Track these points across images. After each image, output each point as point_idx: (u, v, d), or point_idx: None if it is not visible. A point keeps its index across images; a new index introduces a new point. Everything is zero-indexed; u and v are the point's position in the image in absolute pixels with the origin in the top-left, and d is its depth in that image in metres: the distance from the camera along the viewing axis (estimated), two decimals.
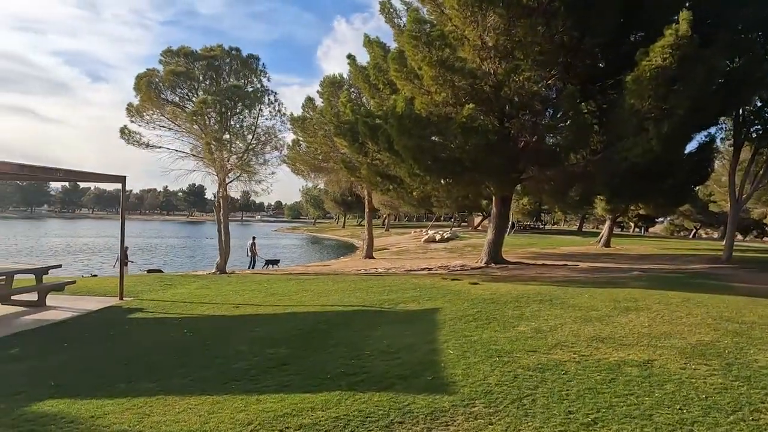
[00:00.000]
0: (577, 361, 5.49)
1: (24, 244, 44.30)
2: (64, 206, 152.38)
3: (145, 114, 15.77)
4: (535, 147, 15.18)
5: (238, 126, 16.85)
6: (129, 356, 6.31)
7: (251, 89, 16.47)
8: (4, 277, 10.03)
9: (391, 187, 16.49)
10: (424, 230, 53.16)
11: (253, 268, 23.57)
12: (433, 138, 13.96)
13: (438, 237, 42.96)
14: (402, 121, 13.58)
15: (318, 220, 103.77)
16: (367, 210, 25.38)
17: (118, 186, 10.90)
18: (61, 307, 9.77)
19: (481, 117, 14.09)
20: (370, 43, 17.14)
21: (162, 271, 21.15)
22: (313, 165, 22.54)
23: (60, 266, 11.23)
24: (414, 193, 16.70)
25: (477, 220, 66.31)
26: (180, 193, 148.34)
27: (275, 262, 24.39)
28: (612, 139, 13.52)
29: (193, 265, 28.54)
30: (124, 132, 15.79)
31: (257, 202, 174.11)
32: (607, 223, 31.00)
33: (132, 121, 15.82)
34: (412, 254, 29.47)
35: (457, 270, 16.31)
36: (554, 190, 16.53)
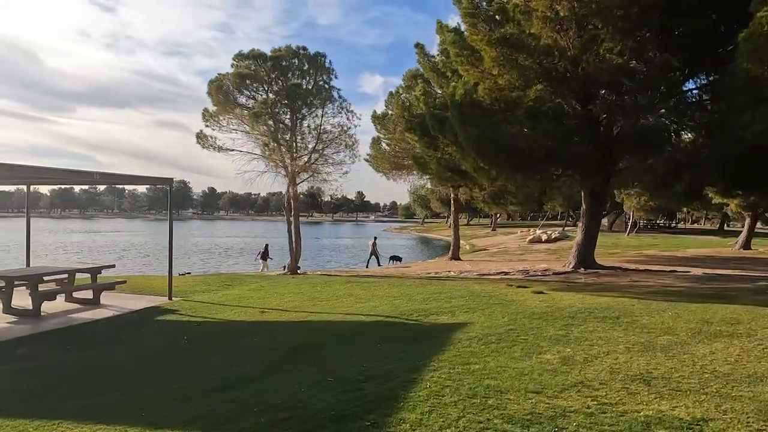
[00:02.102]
0: (589, 412, 3.99)
1: (176, 242, 49.64)
2: (204, 209, 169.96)
3: (218, 118, 16.23)
4: (628, 132, 12.83)
5: (305, 125, 16.69)
6: (110, 365, 6.07)
7: (314, 88, 16.17)
8: (67, 275, 10.70)
9: (461, 183, 15.11)
10: (532, 230, 49.82)
11: (378, 265, 25.06)
12: (504, 127, 12.35)
13: (545, 237, 39.94)
14: (462, 109, 12.25)
15: (426, 220, 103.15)
16: (452, 209, 23.97)
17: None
18: (111, 306, 10.12)
19: (555, 99, 12.18)
20: (441, 28, 15.89)
21: (299, 268, 22.33)
22: (394, 163, 21.78)
23: (113, 266, 11.77)
24: (487, 189, 15.13)
25: None
26: (301, 195, 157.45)
27: (398, 258, 25.64)
28: (724, 116, 10.82)
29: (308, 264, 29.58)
30: (200, 136, 16.41)
31: (372, 202, 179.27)
32: (747, 220, 26.06)
33: (207, 126, 16.41)
34: (507, 256, 27.41)
35: (537, 275, 14.45)
36: (655, 182, 13.87)
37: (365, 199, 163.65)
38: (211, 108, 16.36)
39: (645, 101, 11.57)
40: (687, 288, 11.16)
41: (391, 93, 20.80)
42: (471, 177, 14.32)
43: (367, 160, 23.18)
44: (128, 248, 43.72)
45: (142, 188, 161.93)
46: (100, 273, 10.83)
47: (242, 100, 15.83)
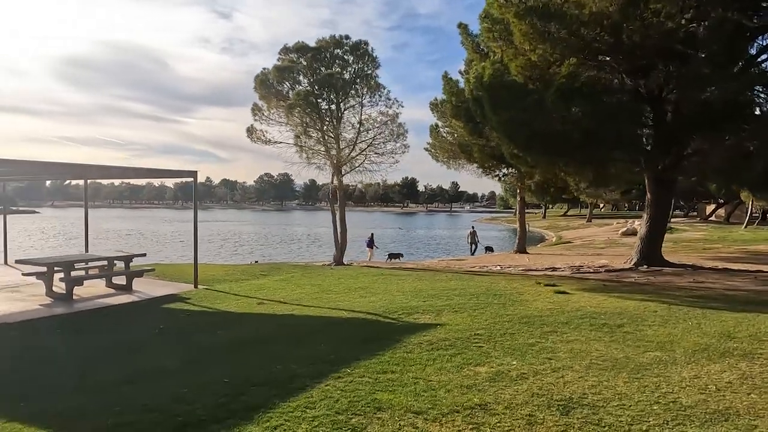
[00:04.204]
0: None
1: (282, 231, 53.00)
2: (306, 200, 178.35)
3: (264, 112, 16.63)
4: (690, 108, 10.97)
5: (348, 116, 16.55)
6: (67, 352, 6.26)
7: (356, 77, 15.91)
8: (106, 262, 11.57)
9: (505, 171, 14.02)
10: (630, 221, 45.54)
11: (473, 253, 26.10)
12: (537, 108, 11.16)
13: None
14: (492, 91, 11.30)
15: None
16: (518, 199, 22.50)
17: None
18: (139, 292, 10.77)
19: (597, 74, 10.72)
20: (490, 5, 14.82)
21: (402, 255, 23.49)
22: (451, 151, 20.88)
23: (144, 255, 12.46)
24: (534, 178, 13.88)
25: (710, 209, 53.79)
26: (396, 186, 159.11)
27: (491, 249, 26.85)
28: None
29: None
30: (250, 130, 16.93)
31: (470, 192, 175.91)
32: None
33: (255, 120, 16.87)
34: (584, 249, 25.23)
35: (587, 272, 13.02)
36: (726, 167, 11.71)
37: (460, 189, 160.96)
38: (259, 102, 16.81)
39: (707, 72, 9.71)
40: (752, 293, 9.32)
41: (443, 77, 19.88)
42: (511, 165, 13.22)
43: (426, 149, 22.54)
44: (229, 238, 47.05)
45: (250, 181, 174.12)
46: (132, 261, 11.59)
47: (283, 92, 16.04)
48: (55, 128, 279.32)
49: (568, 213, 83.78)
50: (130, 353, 6.09)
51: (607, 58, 10.94)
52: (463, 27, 15.25)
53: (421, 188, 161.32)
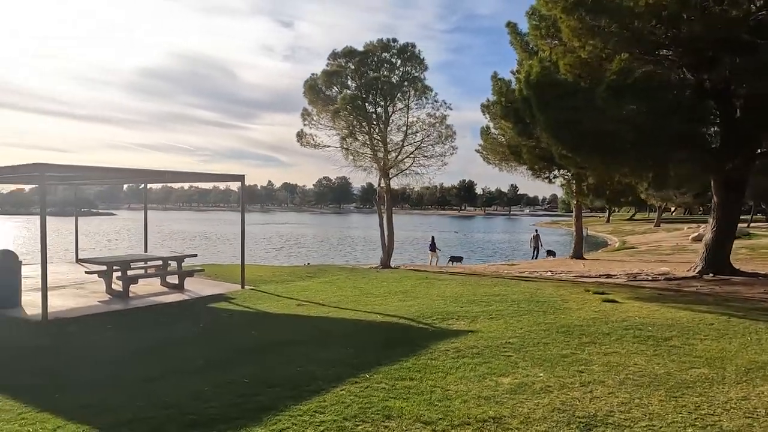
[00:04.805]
0: None
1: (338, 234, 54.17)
2: (363, 203, 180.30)
3: (313, 116, 16.93)
4: (763, 102, 10.05)
5: (395, 118, 16.53)
6: (107, 348, 6.58)
7: (403, 79, 15.85)
8: (161, 262, 12.16)
9: (556, 172, 13.48)
10: (703, 226, 42.51)
11: (535, 258, 25.85)
12: (586, 107, 10.62)
13: None
14: (539, 90, 10.90)
15: (587, 214, 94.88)
16: (575, 203, 21.56)
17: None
18: (189, 291, 11.23)
19: (653, 70, 10.04)
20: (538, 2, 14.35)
21: (462, 259, 24.21)
22: (502, 153, 20.35)
23: (195, 255, 12.96)
24: (588, 180, 13.24)
25: None
26: (453, 189, 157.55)
27: (553, 253, 26.44)
28: None
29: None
30: (299, 135, 17.29)
31: (531, 195, 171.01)
32: None
33: (305, 124, 17.21)
34: (648, 256, 23.78)
35: (645, 280, 12.24)
36: None
37: (519, 192, 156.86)
38: (309, 107, 17.13)
39: None
40: None
41: (492, 77, 19.39)
42: (562, 166, 12.66)
43: (478, 152, 22.11)
44: (289, 240, 48.46)
45: (309, 185, 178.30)
46: (184, 261, 12.10)
47: (331, 97, 16.25)
48: (131, 135, 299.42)
49: (635, 217, 79.59)
50: (168, 350, 6.33)
51: (665, 52, 10.24)
52: (511, 26, 14.80)
53: (478, 191, 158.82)
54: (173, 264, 12.13)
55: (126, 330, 7.66)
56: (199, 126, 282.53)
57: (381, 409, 3.94)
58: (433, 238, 24.92)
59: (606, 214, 79.59)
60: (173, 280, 11.71)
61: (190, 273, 11.75)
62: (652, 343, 5.84)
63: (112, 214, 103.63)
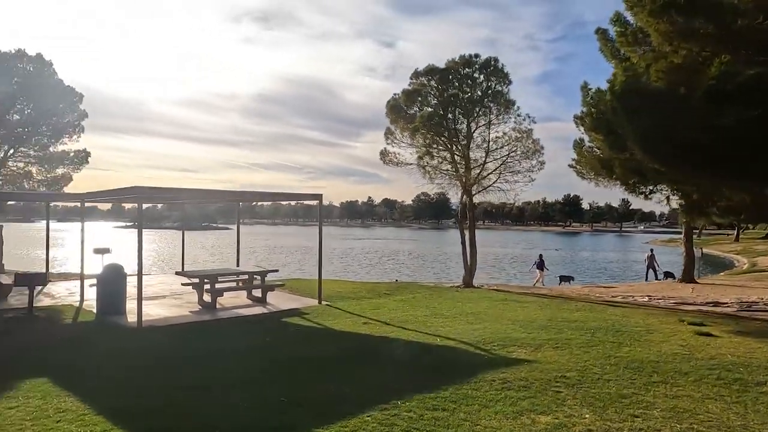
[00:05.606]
0: None
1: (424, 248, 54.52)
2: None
3: (395, 135, 17.17)
4: None
5: (478, 134, 16.25)
6: (177, 358, 7.12)
7: (485, 95, 15.54)
8: (246, 276, 12.96)
9: (651, 188, 12.31)
10: None
11: (656, 279, 24.32)
12: (679, 117, 9.59)
13: None
14: (625, 99, 10.09)
15: (709, 231, 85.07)
16: (683, 220, 19.42)
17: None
18: (270, 305, 11.84)
19: (759, 72, 8.76)
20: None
21: (573, 279, 23.46)
22: (596, 166, 19.00)
23: (277, 270, 13.56)
24: (693, 197, 11.92)
25: None
26: (557, 204, 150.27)
27: (671, 275, 24.61)
28: None
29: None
30: (383, 153, 17.61)
31: (645, 210, 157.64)
32: None
33: (388, 143, 17.50)
34: None
35: (763, 311, 10.68)
36: None
37: (632, 207, 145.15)
38: (391, 126, 17.41)
39: None
40: None
41: (581, 87, 18.24)
42: (658, 182, 11.48)
43: (571, 166, 20.91)
44: (385, 255, 49.35)
45: (408, 200, 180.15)
46: (267, 276, 12.77)
47: (412, 115, 16.36)
48: (246, 156, 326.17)
49: None
50: (226, 361, 6.68)
51: None
52: (601, 32, 13.88)
53: (585, 206, 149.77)
54: (257, 278, 12.88)
55: (202, 340, 8.23)
56: (306, 145, 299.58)
57: None
58: (540, 256, 23.79)
59: (735, 232, 70.86)
60: (258, 293, 12.43)
61: (271, 288, 12.36)
62: (737, 387, 5.06)
63: (228, 229, 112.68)
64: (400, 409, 4.50)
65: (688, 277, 19.15)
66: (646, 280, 24.69)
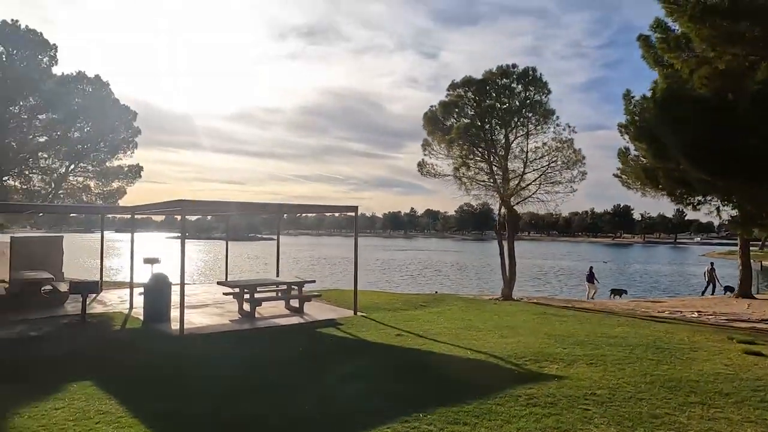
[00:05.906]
0: None
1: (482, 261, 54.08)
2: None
3: (432, 147, 17.21)
4: None
5: (516, 144, 16.07)
6: (210, 367, 7.39)
7: (522, 105, 15.36)
8: (285, 286, 13.25)
9: (700, 198, 11.78)
10: None
11: (712, 293, 23.34)
12: (724, 124, 9.18)
13: None
14: (666, 108, 9.80)
15: None
16: (738, 231, 18.38)
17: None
18: (307, 315, 12.06)
19: None
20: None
21: (626, 292, 23.05)
22: (641, 176, 18.34)
23: (314, 281, 13.75)
24: (747, 207, 11.33)
25: None
26: (606, 215, 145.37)
27: (731, 289, 23.00)
28: None
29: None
30: (420, 164, 17.67)
31: (702, 221, 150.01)
32: None
33: (425, 154, 17.56)
34: None
35: None
36: None
37: (687, 218, 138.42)
38: (429, 138, 17.47)
39: None
40: None
41: (624, 96, 17.69)
42: (707, 192, 10.95)
43: (616, 176, 20.29)
44: (429, 266, 49.19)
45: (451, 211, 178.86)
46: (304, 286, 13.02)
47: (449, 126, 16.36)
48: (292, 168, 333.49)
49: None
50: (258, 370, 6.85)
51: None
52: (643, 39, 13.45)
53: (636, 216, 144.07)
54: (295, 288, 13.14)
55: (239, 348, 8.49)
56: (350, 157, 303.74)
57: None
58: (591, 268, 23.36)
59: None
60: (296, 303, 12.68)
61: (308, 298, 12.58)
62: None
63: (273, 239, 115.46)
64: (421, 421, 4.52)
65: (744, 292, 18.10)
66: (703, 294, 23.51)
